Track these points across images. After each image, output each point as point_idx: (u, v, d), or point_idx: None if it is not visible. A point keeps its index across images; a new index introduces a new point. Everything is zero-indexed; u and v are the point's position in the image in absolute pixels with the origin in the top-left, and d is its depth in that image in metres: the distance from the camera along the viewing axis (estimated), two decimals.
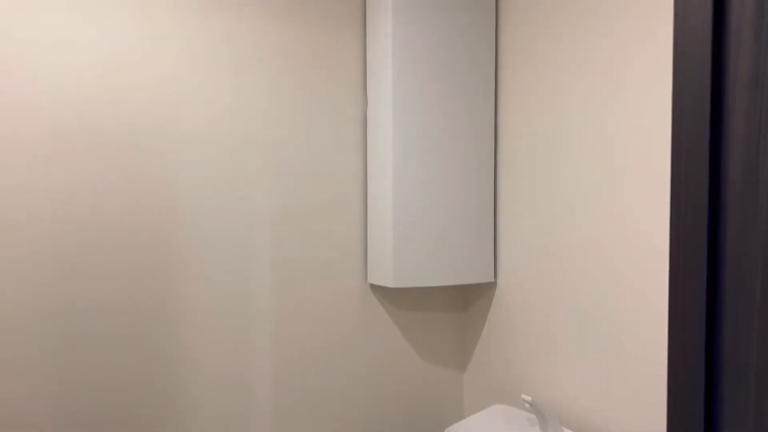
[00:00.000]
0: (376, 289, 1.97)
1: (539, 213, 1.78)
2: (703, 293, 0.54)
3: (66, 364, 1.57)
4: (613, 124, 1.54)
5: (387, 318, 1.99)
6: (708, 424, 0.54)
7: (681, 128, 0.57)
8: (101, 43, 1.59)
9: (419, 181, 1.83)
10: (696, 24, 0.56)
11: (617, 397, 1.54)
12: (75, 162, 1.57)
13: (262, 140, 1.79)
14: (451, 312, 2.09)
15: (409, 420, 2.04)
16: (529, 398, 1.64)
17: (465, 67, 1.87)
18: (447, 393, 2.10)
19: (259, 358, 1.80)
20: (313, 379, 1.88)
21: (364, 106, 1.93)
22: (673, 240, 0.57)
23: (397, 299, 2.00)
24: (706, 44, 0.55)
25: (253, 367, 1.80)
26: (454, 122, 1.86)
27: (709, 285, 0.54)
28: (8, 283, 1.51)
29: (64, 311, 1.57)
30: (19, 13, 1.51)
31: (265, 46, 1.78)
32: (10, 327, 1.52)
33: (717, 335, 0.54)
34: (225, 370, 1.76)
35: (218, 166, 1.74)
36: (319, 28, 1.85)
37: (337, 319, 1.91)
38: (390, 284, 1.82)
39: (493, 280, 1.95)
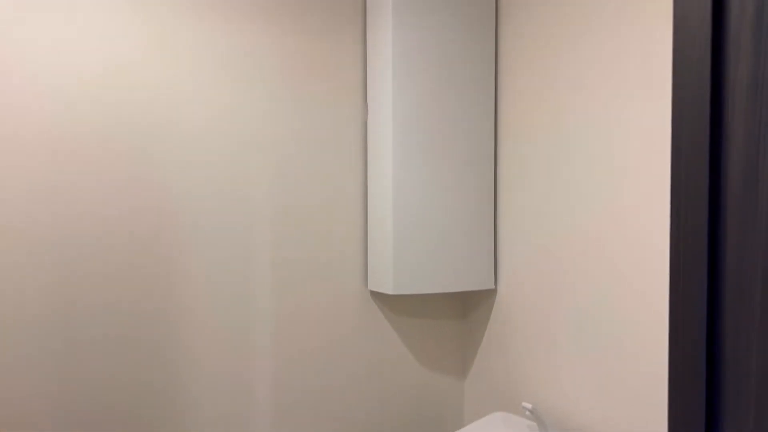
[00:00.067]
0: (376, 295, 1.97)
1: (539, 220, 1.78)
2: (704, 297, 0.55)
3: (66, 364, 1.57)
4: (613, 128, 1.54)
5: (387, 325, 1.98)
6: (709, 427, 0.54)
7: (681, 132, 0.57)
8: (102, 45, 1.60)
9: (419, 188, 1.83)
10: (695, 28, 0.56)
11: (619, 404, 1.54)
12: (75, 163, 1.57)
13: (261, 146, 1.79)
14: (452, 319, 2.09)
15: (409, 427, 2.03)
16: (529, 406, 1.63)
17: (465, 74, 1.88)
18: (447, 400, 2.09)
19: (259, 361, 1.80)
20: (313, 384, 1.88)
21: (364, 112, 1.93)
22: (673, 243, 0.57)
23: (397, 306, 2.00)
24: (706, 48, 0.55)
25: (252, 370, 1.79)
26: (454, 129, 1.87)
27: (710, 287, 0.55)
28: (8, 284, 1.51)
29: (64, 312, 1.57)
30: (18, 14, 1.52)
31: (265, 52, 1.79)
32: (10, 327, 1.51)
33: (717, 338, 0.54)
34: (225, 371, 1.75)
35: (218, 170, 1.74)
36: (320, 35, 1.86)
37: (336, 325, 1.90)
38: (390, 291, 1.82)
39: (493, 287, 1.95)
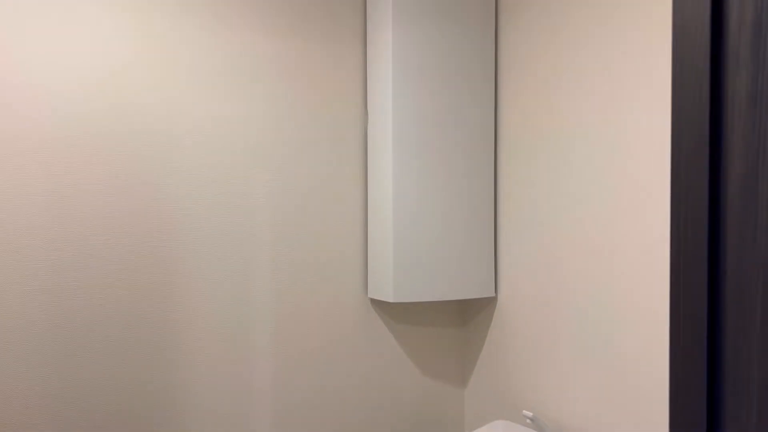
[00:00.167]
0: (376, 303, 1.97)
1: (539, 228, 1.78)
2: (704, 310, 0.55)
3: (66, 366, 1.57)
4: (613, 134, 1.55)
5: (387, 333, 1.98)
6: (710, 431, 0.54)
7: (681, 138, 0.58)
8: (101, 51, 1.61)
9: (419, 196, 1.84)
10: (694, 42, 0.56)
11: (620, 412, 1.54)
12: (74, 166, 1.58)
13: (261, 153, 1.80)
14: (452, 327, 2.09)
15: None
16: (530, 414, 1.63)
17: (465, 82, 1.89)
18: (448, 409, 2.09)
19: (259, 368, 1.80)
20: (313, 391, 1.87)
21: (365, 119, 1.94)
22: (674, 251, 0.58)
23: (398, 314, 2.00)
24: (705, 62, 0.56)
25: (252, 376, 1.79)
26: (455, 137, 1.88)
27: (710, 299, 0.55)
28: (8, 286, 1.51)
29: (65, 314, 1.57)
30: (19, 19, 1.53)
31: (266, 58, 1.80)
32: (10, 329, 1.51)
33: (718, 341, 0.54)
34: (225, 375, 1.75)
35: (217, 176, 1.74)
36: (320, 41, 1.87)
37: (336, 333, 1.90)
38: (390, 299, 1.82)
39: (493, 294, 1.95)
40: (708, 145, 0.55)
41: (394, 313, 1.99)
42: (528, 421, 1.64)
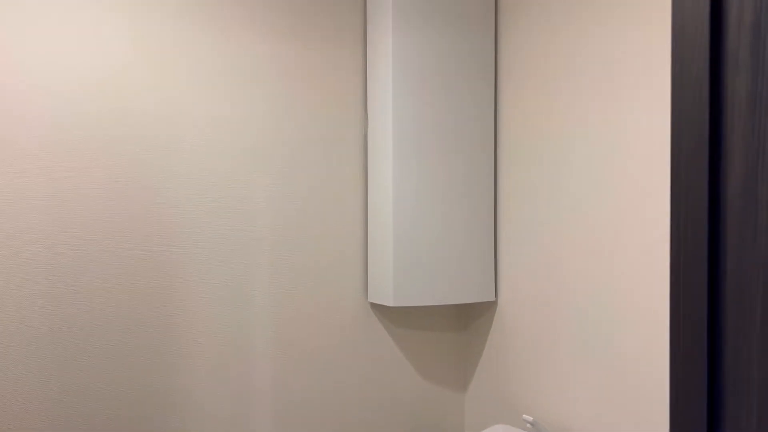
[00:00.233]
0: (376, 307, 1.96)
1: (540, 232, 1.78)
2: (704, 310, 0.55)
3: (66, 370, 1.57)
4: (613, 138, 1.55)
5: (387, 337, 1.98)
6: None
7: (680, 145, 0.58)
8: (101, 54, 1.61)
9: (419, 200, 1.84)
10: (693, 43, 0.57)
11: (620, 416, 1.53)
12: (74, 170, 1.58)
13: (261, 156, 1.80)
14: (452, 331, 2.09)
15: None
16: (530, 418, 1.63)
17: (465, 86, 1.89)
18: (448, 413, 2.08)
19: (259, 372, 1.79)
20: (313, 395, 1.87)
21: (365, 123, 1.94)
22: (674, 255, 0.58)
23: (398, 318, 1.99)
24: (704, 63, 0.56)
25: (252, 380, 1.79)
26: (455, 141, 1.88)
27: (710, 300, 0.55)
28: (8, 289, 1.51)
29: (65, 318, 1.56)
30: (18, 19, 1.53)
31: (266, 62, 1.80)
32: (10, 333, 1.51)
33: (718, 343, 0.54)
34: (224, 378, 1.75)
35: (217, 180, 1.74)
36: (320, 45, 1.87)
37: (336, 337, 1.90)
38: (390, 303, 1.82)
39: (494, 299, 1.95)
40: (708, 145, 0.55)
41: (394, 317, 1.99)
42: (528, 425, 1.64)
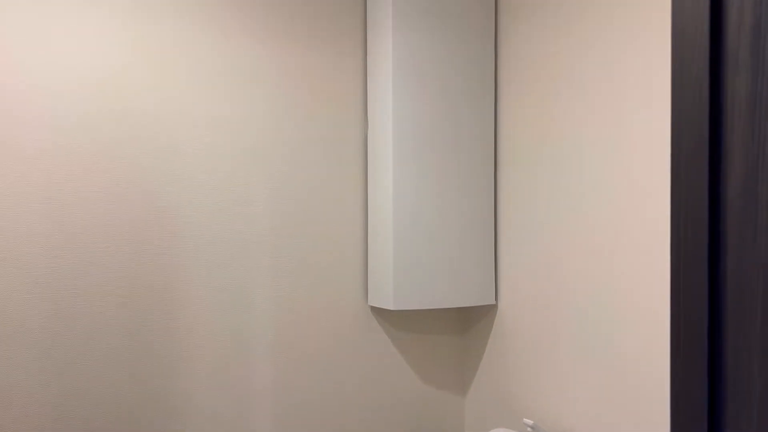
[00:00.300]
0: (376, 311, 1.96)
1: (540, 235, 1.78)
2: (705, 311, 0.55)
3: (66, 375, 1.56)
4: (613, 141, 1.55)
5: (387, 340, 1.97)
6: None
7: (680, 146, 0.58)
8: (102, 56, 1.61)
9: (419, 203, 1.84)
10: (693, 45, 0.57)
11: (621, 420, 1.53)
12: (74, 173, 1.58)
13: (261, 160, 1.80)
14: (452, 334, 2.08)
15: None
16: (530, 422, 1.62)
17: (465, 88, 1.89)
18: (448, 416, 2.08)
19: (258, 375, 1.79)
20: (313, 398, 1.86)
21: (365, 126, 1.94)
22: (674, 256, 0.58)
23: (398, 321, 1.99)
24: (704, 64, 0.56)
25: (252, 383, 1.78)
26: (454, 143, 1.88)
27: (711, 300, 0.55)
28: (7, 291, 1.51)
29: (65, 322, 1.56)
30: (18, 20, 1.53)
31: (266, 65, 1.80)
32: (10, 337, 1.51)
33: (719, 352, 0.54)
34: (224, 381, 1.74)
35: (217, 183, 1.74)
36: (320, 48, 1.87)
37: (336, 340, 1.90)
38: (390, 306, 1.82)
39: (494, 302, 1.94)
40: (708, 146, 0.55)
41: (394, 320, 1.99)
42: (528, 429, 1.64)
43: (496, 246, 1.95)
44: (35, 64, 1.54)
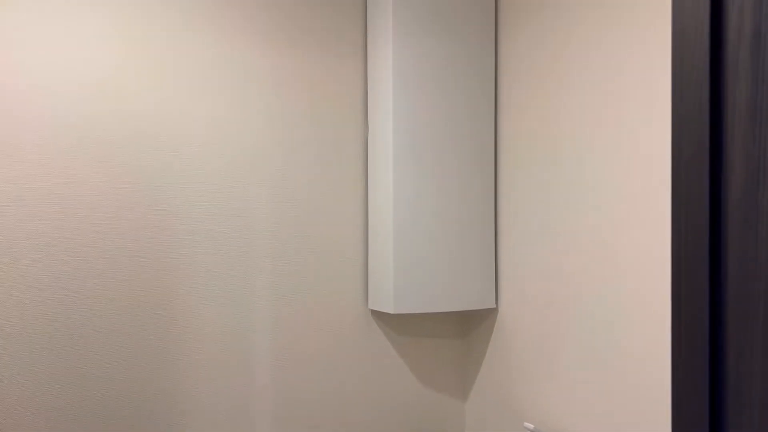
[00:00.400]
0: (376, 314, 1.96)
1: (540, 239, 1.78)
2: (706, 319, 0.55)
3: (66, 378, 1.56)
4: (614, 145, 1.55)
5: (387, 344, 1.98)
6: None
7: (681, 153, 0.58)
8: (101, 58, 1.62)
9: (420, 207, 1.84)
10: (694, 51, 0.57)
11: (622, 424, 1.53)
12: (73, 172, 1.58)
13: (261, 163, 1.80)
14: (453, 338, 2.08)
15: None
16: (531, 426, 1.62)
17: (465, 93, 1.90)
18: (448, 421, 2.08)
19: (258, 379, 1.79)
20: (313, 402, 1.86)
21: (365, 129, 1.95)
22: (675, 261, 0.58)
23: (398, 325, 1.99)
24: (704, 71, 0.56)
25: (251, 387, 1.78)
26: (455, 147, 1.88)
27: (712, 305, 0.55)
28: (7, 290, 1.51)
29: (64, 326, 1.56)
30: (17, 21, 1.54)
31: (266, 68, 1.81)
32: (9, 333, 1.51)
33: (720, 354, 0.54)
34: (224, 383, 1.74)
35: (217, 185, 1.75)
36: (321, 51, 1.88)
37: (337, 344, 1.90)
38: (391, 310, 1.82)
39: (494, 306, 1.95)
40: (708, 152, 0.55)
41: (394, 324, 1.99)
42: None
43: (496, 249, 1.96)
44: (35, 64, 1.54)
